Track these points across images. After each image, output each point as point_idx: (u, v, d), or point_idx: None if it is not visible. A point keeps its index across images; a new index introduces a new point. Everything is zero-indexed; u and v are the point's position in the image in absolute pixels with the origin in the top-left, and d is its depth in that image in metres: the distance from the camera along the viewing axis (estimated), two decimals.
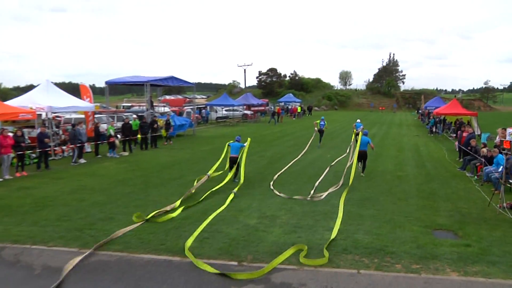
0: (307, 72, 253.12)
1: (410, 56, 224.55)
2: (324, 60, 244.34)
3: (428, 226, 9.49)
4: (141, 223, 9.43)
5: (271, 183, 13.72)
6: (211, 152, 20.71)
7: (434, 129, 32.25)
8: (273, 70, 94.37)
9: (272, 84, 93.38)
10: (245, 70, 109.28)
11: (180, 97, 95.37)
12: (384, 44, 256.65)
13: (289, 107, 61.22)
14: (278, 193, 12.48)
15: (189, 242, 8.29)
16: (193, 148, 22.59)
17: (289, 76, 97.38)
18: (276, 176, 14.76)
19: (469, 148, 17.07)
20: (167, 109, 36.09)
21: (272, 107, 56.64)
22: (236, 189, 12.45)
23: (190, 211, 10.43)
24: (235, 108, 48.53)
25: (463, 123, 27.18)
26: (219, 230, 9.02)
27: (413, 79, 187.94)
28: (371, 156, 17.87)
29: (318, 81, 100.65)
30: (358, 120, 26.14)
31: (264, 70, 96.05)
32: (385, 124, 42.57)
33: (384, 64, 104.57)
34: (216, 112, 47.62)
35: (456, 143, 21.09)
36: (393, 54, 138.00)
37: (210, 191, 12.25)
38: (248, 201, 11.47)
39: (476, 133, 23.83)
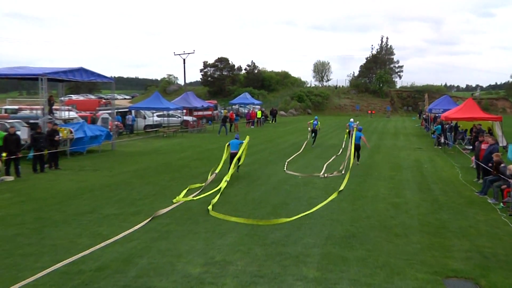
0: (269, 64, 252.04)
1: (409, 41, 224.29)
2: (292, 48, 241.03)
3: (437, 273, 9.45)
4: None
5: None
6: (139, 174, 20.54)
7: (442, 140, 32.22)
8: (223, 61, 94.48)
9: (222, 80, 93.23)
10: (184, 60, 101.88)
11: (92, 97, 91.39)
12: (373, 25, 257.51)
13: (246, 111, 61.09)
14: (294, 173, 20.98)
15: None
16: (112, 168, 22.43)
17: (245, 69, 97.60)
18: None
19: (490, 165, 17.01)
20: (73, 114, 35.38)
21: (222, 111, 55.94)
22: (227, 176, 18.14)
23: (107, 257, 10.18)
24: (171, 113, 47.74)
25: (482, 131, 27.21)
26: (147, 286, 8.74)
27: (414, 72, 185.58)
28: (357, 178, 19.87)
29: (284, 76, 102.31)
30: (352, 120, 34.40)
31: (211, 61, 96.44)
32: (375, 133, 43.14)
33: (374, 52, 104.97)
34: (145, 118, 46.91)
35: (473, 158, 21.08)
36: (386, 38, 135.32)
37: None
38: (189, 240, 11.36)
39: (500, 145, 24.57)
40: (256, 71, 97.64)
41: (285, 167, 22.84)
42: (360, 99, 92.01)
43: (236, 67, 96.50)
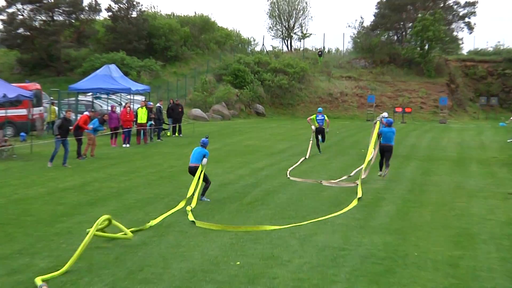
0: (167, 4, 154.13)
1: None
2: None
3: None
4: None
5: None
6: None
7: None
8: None
9: (49, 35, 58.66)
10: None
11: None
12: None
13: (118, 108, 38.05)
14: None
15: None
16: None
17: (109, 11, 65.07)
18: None
19: None
20: None
21: (57, 108, 38.37)
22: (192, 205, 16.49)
23: None
24: None
25: None
26: None
27: (500, 18, 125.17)
28: (375, 264, 11.43)
29: (204, 26, 74.27)
30: (385, 114, 26.87)
31: None
32: (414, 157, 31.06)
33: None
34: None
35: None
36: None
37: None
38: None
39: None
40: (137, 14, 66.01)
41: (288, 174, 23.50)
42: (377, 80, 68.01)
43: (88, 3, 62.54)
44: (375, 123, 24.41)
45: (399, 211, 17.30)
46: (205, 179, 17.92)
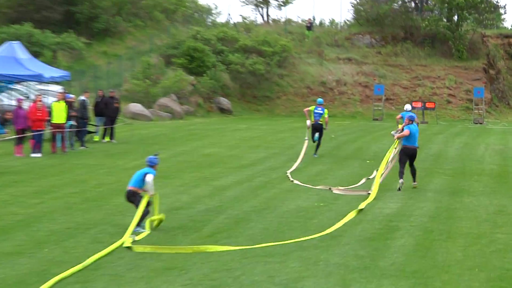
0: None
1: None
2: None
3: None
4: None
5: None
6: None
7: None
8: None
9: None
10: None
11: None
12: None
13: (26, 102, 36.82)
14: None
15: None
16: None
17: None
18: None
19: None
20: None
21: None
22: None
23: None
24: None
25: None
26: None
27: None
28: None
29: None
30: (408, 107, 32.63)
31: None
32: (439, 172, 31.39)
33: None
34: None
35: None
36: None
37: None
38: None
39: None
40: None
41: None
42: (388, 64, 69.93)
43: None
44: (398, 136, 26.48)
45: (418, 246, 17.55)
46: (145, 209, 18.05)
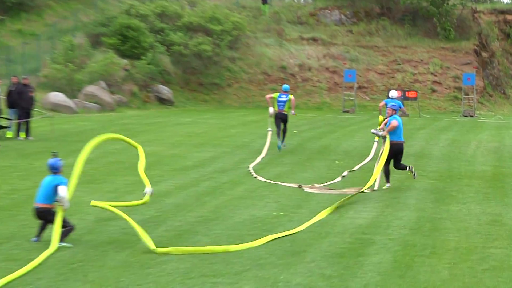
0: None
1: None
2: None
3: None
4: None
5: None
6: None
7: None
8: None
9: None
10: None
11: None
12: None
13: None
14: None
15: None
16: None
17: None
18: None
19: None
20: None
21: None
22: None
23: None
24: None
25: None
26: None
27: None
28: None
29: None
30: (393, 94, 33.47)
31: None
32: (422, 175, 30.19)
33: None
34: None
35: None
36: None
37: None
38: None
39: None
40: None
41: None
42: (361, 45, 71.43)
43: None
44: (382, 135, 27.35)
45: (397, 263, 17.67)
46: (64, 224, 17.88)
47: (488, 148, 39.90)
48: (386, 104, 30.73)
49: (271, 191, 26.88)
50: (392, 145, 26.11)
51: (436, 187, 28.09)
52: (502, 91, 66.23)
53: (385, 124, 26.84)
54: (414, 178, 27.20)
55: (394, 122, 25.89)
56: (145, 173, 26.72)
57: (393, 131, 26.14)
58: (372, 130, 28.59)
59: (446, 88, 64.84)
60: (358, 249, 18.16)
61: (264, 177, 28.53)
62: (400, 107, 27.18)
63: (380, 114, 32.47)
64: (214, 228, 20.52)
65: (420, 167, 32.11)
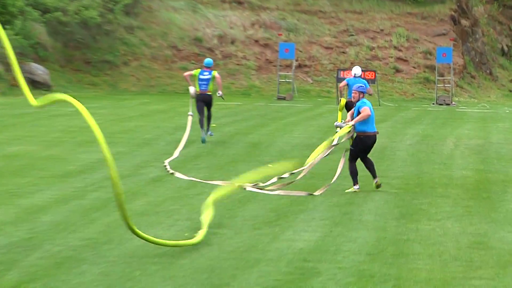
0: None
1: None
2: None
3: None
4: None
5: None
6: None
7: None
8: None
9: None
10: None
11: None
12: None
13: None
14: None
15: None
16: None
17: None
18: None
19: None
20: None
21: None
22: None
23: None
24: None
25: None
26: None
27: None
28: None
29: None
30: (357, 71, 37.14)
31: None
32: (383, 182, 33.55)
33: None
34: None
35: None
36: None
37: None
38: None
39: None
40: None
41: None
42: (301, 10, 75.35)
43: None
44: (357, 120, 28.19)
45: None
46: None
47: (469, 146, 40.66)
48: (348, 85, 31.13)
49: (182, 205, 27.31)
50: (363, 138, 27.36)
51: (401, 199, 28.67)
52: (488, 71, 67.10)
53: (352, 115, 26.79)
54: (376, 189, 28.05)
55: (365, 110, 26.79)
56: (13, 182, 26.60)
57: (365, 120, 26.91)
58: (336, 123, 28.87)
59: (414, 67, 65.75)
60: (298, 281, 18.02)
61: (170, 186, 28.84)
62: (367, 88, 27.34)
63: (342, 96, 32.78)
64: (106, 255, 20.17)
65: (380, 173, 32.40)
